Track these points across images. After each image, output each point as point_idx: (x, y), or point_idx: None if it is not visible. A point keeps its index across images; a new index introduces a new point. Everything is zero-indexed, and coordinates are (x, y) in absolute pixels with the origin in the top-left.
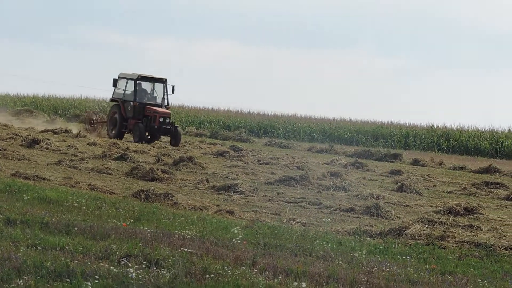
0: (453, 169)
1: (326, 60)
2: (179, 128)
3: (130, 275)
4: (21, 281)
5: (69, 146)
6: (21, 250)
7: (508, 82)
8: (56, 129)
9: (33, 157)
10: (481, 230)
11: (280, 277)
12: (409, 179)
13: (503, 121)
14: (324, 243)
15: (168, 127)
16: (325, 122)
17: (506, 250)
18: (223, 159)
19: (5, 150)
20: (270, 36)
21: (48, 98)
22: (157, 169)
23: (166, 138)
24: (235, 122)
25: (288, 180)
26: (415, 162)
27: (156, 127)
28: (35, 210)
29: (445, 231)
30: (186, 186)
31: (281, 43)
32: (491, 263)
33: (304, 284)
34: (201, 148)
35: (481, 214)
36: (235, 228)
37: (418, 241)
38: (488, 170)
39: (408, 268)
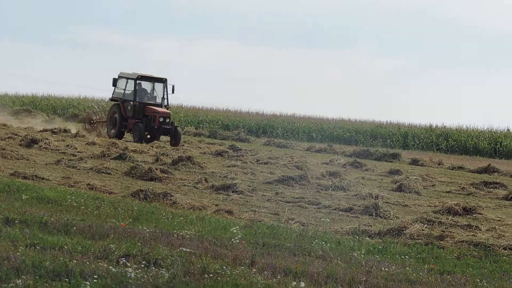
0: (452, 169)
1: (326, 60)
2: (179, 128)
3: (128, 275)
4: (19, 280)
5: (68, 145)
6: (20, 250)
7: (507, 82)
8: (55, 128)
9: (32, 156)
10: (480, 230)
11: (278, 277)
12: (408, 179)
13: (502, 121)
14: (323, 242)
15: (168, 127)
16: (324, 122)
17: (505, 250)
18: (222, 158)
19: (3, 149)
20: (270, 36)
21: (47, 97)
22: (156, 169)
23: (165, 138)
24: (234, 121)
25: (287, 180)
26: (414, 162)
27: (156, 127)
28: (34, 209)
29: (444, 231)
30: (185, 185)
31: (281, 43)
32: (489, 263)
33: (302, 284)
34: (200, 147)
35: (480, 214)
36: (234, 228)
37: (417, 241)
38: (487, 170)
39: (407, 268)
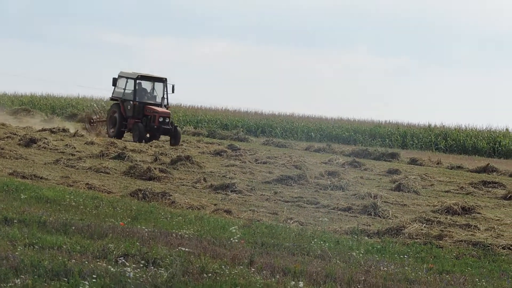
0: (451, 169)
1: (325, 60)
2: (178, 128)
3: (127, 274)
4: (18, 280)
5: (66, 145)
6: (19, 249)
7: (507, 82)
8: (53, 128)
9: (31, 156)
10: (478, 229)
11: (277, 276)
12: (406, 179)
13: (501, 120)
14: (322, 242)
15: (167, 127)
16: (323, 121)
17: (504, 249)
18: (220, 158)
19: (2, 149)
20: (269, 36)
21: (46, 97)
22: (155, 168)
23: (164, 137)
24: (233, 121)
25: (285, 179)
26: (413, 162)
27: (155, 126)
28: (33, 209)
29: (442, 231)
30: (183, 185)
31: (280, 43)
32: (488, 263)
33: (301, 284)
34: (199, 147)
35: (479, 213)
36: (233, 227)
37: (416, 241)
38: (485, 170)
39: (406, 268)
